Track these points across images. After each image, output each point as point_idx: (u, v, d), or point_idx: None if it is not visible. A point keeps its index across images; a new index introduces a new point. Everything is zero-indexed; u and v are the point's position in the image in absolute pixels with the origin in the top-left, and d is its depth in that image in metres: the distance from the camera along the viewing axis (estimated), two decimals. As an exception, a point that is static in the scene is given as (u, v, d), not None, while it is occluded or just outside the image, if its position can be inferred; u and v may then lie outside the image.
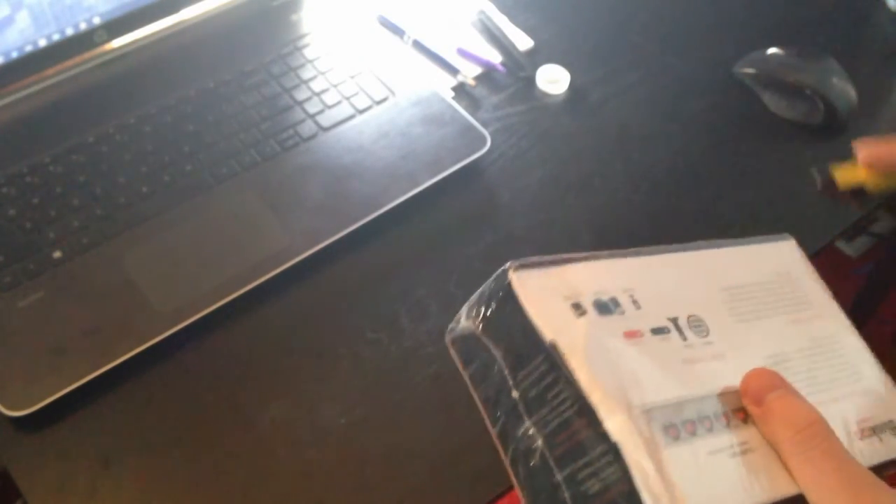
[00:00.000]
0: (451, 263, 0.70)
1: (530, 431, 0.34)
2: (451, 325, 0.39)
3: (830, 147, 0.80)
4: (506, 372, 0.35)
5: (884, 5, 0.93)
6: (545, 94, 0.83)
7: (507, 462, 0.36)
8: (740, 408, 0.35)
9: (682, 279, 0.38)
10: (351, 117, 0.76)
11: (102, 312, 0.63)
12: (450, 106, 0.78)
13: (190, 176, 0.71)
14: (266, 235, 0.68)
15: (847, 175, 0.55)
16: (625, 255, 0.38)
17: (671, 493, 0.31)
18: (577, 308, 0.34)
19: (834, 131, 0.81)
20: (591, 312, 0.34)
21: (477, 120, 0.77)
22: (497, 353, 0.35)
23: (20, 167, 0.71)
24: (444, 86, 0.82)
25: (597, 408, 0.31)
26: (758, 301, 0.39)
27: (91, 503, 0.57)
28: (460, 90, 0.82)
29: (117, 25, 0.77)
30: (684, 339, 0.35)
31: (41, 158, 0.71)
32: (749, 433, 0.34)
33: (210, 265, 0.66)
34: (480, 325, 0.37)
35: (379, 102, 0.78)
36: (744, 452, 0.34)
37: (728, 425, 0.34)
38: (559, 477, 0.33)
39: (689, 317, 0.36)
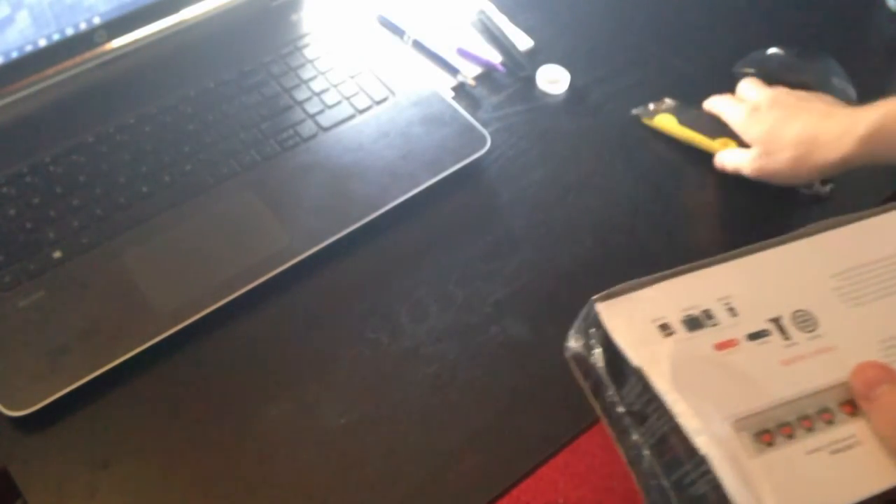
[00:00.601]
0: (451, 263, 0.70)
1: (639, 441, 0.36)
2: (566, 344, 0.41)
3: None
4: (612, 390, 0.37)
5: (884, 5, 0.93)
6: (545, 94, 0.83)
7: (626, 464, 0.38)
8: (849, 400, 0.35)
9: (786, 274, 0.38)
10: (351, 117, 0.76)
11: (102, 312, 0.63)
12: (450, 106, 0.78)
13: (190, 176, 0.71)
14: (266, 235, 0.68)
15: (655, 122, 0.75)
16: (721, 262, 0.38)
17: (760, 498, 0.32)
18: (665, 329, 0.36)
19: (834, 131, 0.81)
20: (680, 331, 0.36)
21: (477, 120, 0.77)
22: (602, 373, 0.38)
23: (20, 167, 0.71)
24: (444, 86, 0.82)
25: (684, 426, 0.34)
26: (876, 280, 0.38)
27: (91, 503, 0.57)
28: (460, 90, 0.82)
29: (117, 25, 0.77)
30: (787, 338, 0.36)
31: (41, 158, 0.71)
32: (857, 426, 0.35)
33: (210, 265, 0.66)
34: (584, 349, 0.39)
35: (379, 102, 0.78)
36: (850, 447, 0.34)
37: (833, 421, 0.35)
38: (666, 483, 0.35)
39: (794, 313, 0.37)
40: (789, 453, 0.34)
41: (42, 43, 0.74)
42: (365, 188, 0.72)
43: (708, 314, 0.36)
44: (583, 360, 0.40)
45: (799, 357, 0.36)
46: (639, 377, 0.35)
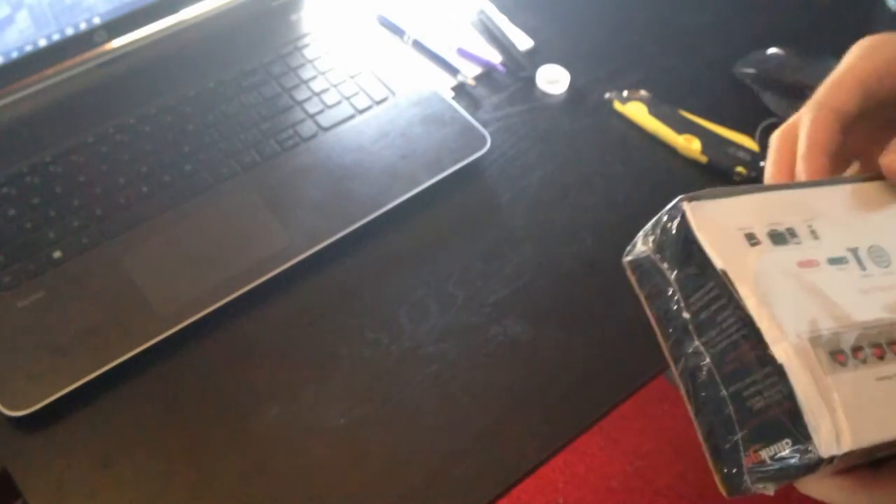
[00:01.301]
0: (451, 263, 0.70)
1: (700, 350, 0.36)
2: (627, 249, 0.40)
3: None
4: (678, 295, 0.36)
5: (884, 5, 0.93)
6: (545, 94, 0.83)
7: (676, 374, 0.38)
8: None
9: (866, 208, 0.37)
10: (351, 117, 0.76)
11: (102, 312, 0.63)
12: (450, 106, 0.78)
13: (190, 176, 0.71)
14: (266, 235, 0.68)
15: (626, 109, 0.76)
16: (807, 186, 0.38)
17: (832, 415, 0.32)
18: (751, 238, 0.35)
19: (834, 131, 0.81)
20: (765, 242, 0.35)
21: (477, 120, 0.77)
22: (670, 277, 0.37)
23: (20, 167, 0.71)
24: (444, 86, 0.82)
25: (764, 333, 0.33)
26: None
27: (91, 503, 0.57)
28: (460, 90, 0.82)
29: (117, 25, 0.77)
30: (863, 269, 0.36)
31: (41, 158, 0.71)
32: None
33: (210, 265, 0.66)
34: (656, 251, 0.38)
35: (379, 102, 0.78)
36: None
37: None
38: (725, 393, 0.35)
39: (870, 247, 0.37)
40: (861, 376, 0.33)
41: (42, 43, 0.74)
42: (365, 188, 0.72)
43: (792, 232, 0.36)
44: (646, 265, 0.39)
45: (875, 288, 0.35)
46: (719, 281, 0.35)
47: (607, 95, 0.82)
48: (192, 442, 0.60)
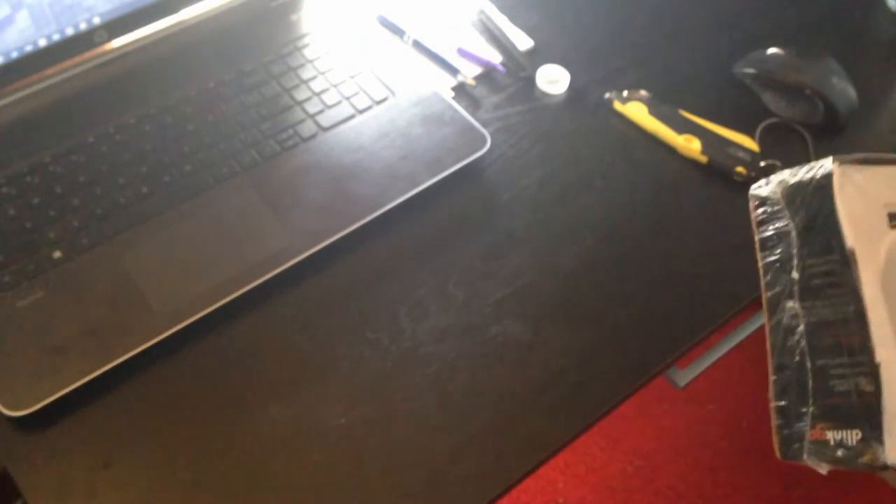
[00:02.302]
0: (451, 263, 0.70)
1: (798, 312, 0.33)
2: (760, 182, 0.37)
3: (830, 147, 0.80)
4: (795, 250, 0.33)
5: (884, 5, 0.93)
6: (545, 94, 0.83)
7: (767, 327, 0.35)
8: None
9: None
10: (351, 117, 0.76)
11: (102, 312, 0.63)
12: (450, 106, 0.78)
13: (190, 176, 0.71)
14: (266, 235, 0.68)
15: (626, 109, 0.76)
16: None
17: None
18: (893, 218, 0.31)
19: (834, 131, 0.81)
20: None
21: (477, 120, 0.77)
22: (794, 232, 0.34)
23: (20, 167, 0.71)
24: (444, 86, 0.82)
25: (872, 329, 0.31)
26: None
27: (91, 503, 0.57)
28: (460, 90, 0.82)
29: (117, 25, 0.77)
30: None
31: (41, 158, 0.71)
32: None
33: (210, 265, 0.66)
34: (789, 200, 0.34)
35: (379, 102, 0.78)
36: None
37: None
38: (810, 363, 0.32)
39: None
40: None
41: (42, 43, 0.74)
42: (365, 188, 0.72)
43: None
44: (774, 208, 0.35)
45: None
46: (844, 257, 0.31)
47: (607, 95, 0.82)
48: (192, 442, 0.60)
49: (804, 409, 0.33)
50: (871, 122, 0.83)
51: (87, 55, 0.77)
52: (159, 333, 0.63)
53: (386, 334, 0.66)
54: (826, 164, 0.33)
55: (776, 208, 0.35)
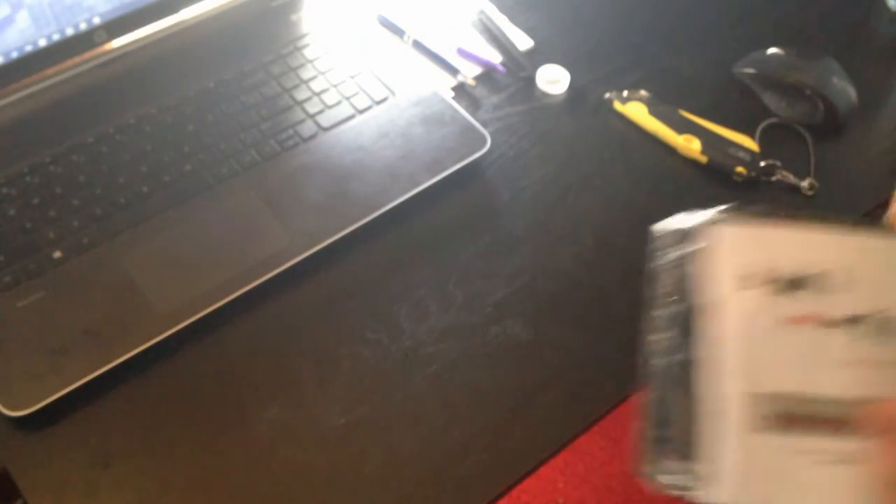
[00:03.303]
0: (451, 263, 0.70)
1: (657, 343, 0.34)
2: (665, 220, 0.37)
3: (830, 147, 0.80)
4: (660, 286, 0.34)
5: (884, 5, 0.93)
6: (545, 94, 0.83)
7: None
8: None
9: None
10: (351, 117, 0.76)
11: (102, 312, 0.63)
12: (450, 106, 0.78)
13: (190, 176, 0.71)
14: (266, 235, 0.68)
15: (626, 109, 0.77)
16: (864, 231, 0.33)
17: (729, 467, 0.31)
18: (752, 278, 0.32)
19: (834, 131, 0.81)
20: (765, 288, 0.32)
21: (477, 120, 0.77)
22: (662, 268, 0.34)
23: (20, 167, 0.71)
24: (444, 86, 0.82)
25: (699, 380, 0.32)
26: None
27: (91, 503, 0.57)
28: (460, 90, 0.82)
29: (117, 25, 0.77)
30: (863, 336, 0.32)
31: (41, 158, 0.71)
32: (862, 446, 0.32)
33: (210, 265, 0.66)
34: (675, 240, 0.35)
35: (379, 102, 0.78)
36: (845, 462, 0.32)
37: (843, 431, 0.32)
38: (664, 394, 0.33)
39: (885, 317, 0.32)
40: (779, 444, 0.32)
41: (42, 43, 0.74)
42: (365, 188, 0.72)
43: (805, 281, 0.32)
44: (662, 244, 0.36)
45: (861, 361, 0.32)
46: (697, 305, 0.32)
47: (607, 95, 0.82)
48: (193, 442, 0.60)
49: (658, 434, 0.34)
50: (871, 122, 0.83)
51: (87, 55, 0.77)
52: (159, 333, 0.63)
53: (386, 334, 0.66)
54: (712, 218, 0.34)
55: (663, 244, 0.36)
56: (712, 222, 0.33)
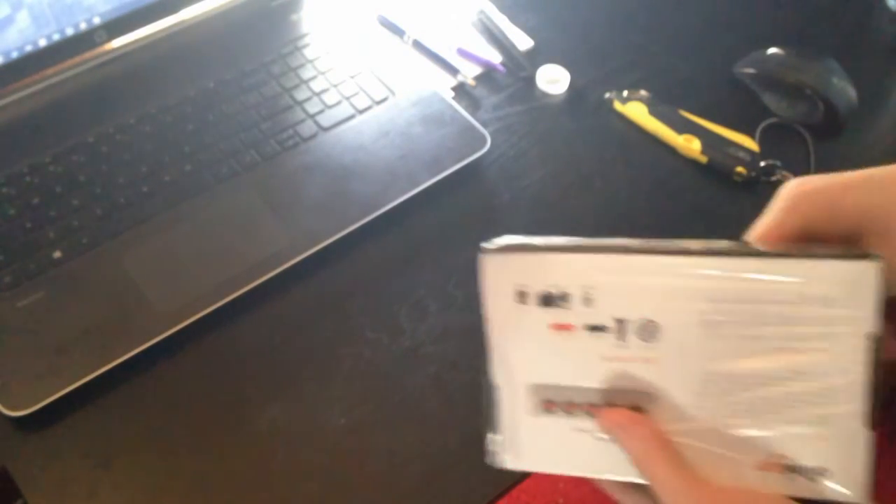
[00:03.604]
0: (451, 263, 0.70)
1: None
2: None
3: (830, 147, 0.80)
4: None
5: (884, 5, 0.93)
6: (545, 94, 0.83)
7: None
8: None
9: (665, 282, 0.39)
10: (351, 117, 0.76)
11: (102, 312, 0.63)
12: (450, 106, 0.78)
13: (190, 176, 0.71)
14: (266, 235, 0.68)
15: (626, 109, 0.80)
16: (615, 251, 0.42)
17: (511, 438, 0.42)
18: (520, 296, 0.41)
19: (834, 131, 0.81)
20: (532, 303, 0.41)
21: (477, 120, 0.77)
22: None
23: (20, 167, 0.71)
24: (444, 86, 0.82)
25: (491, 365, 0.42)
26: (750, 321, 0.38)
27: (91, 503, 0.57)
28: (460, 90, 0.82)
29: (117, 25, 0.77)
30: (621, 339, 0.40)
31: (41, 158, 0.71)
32: None
33: (210, 265, 0.66)
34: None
35: (379, 102, 0.78)
36: (601, 437, 0.41)
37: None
38: (484, 383, 0.42)
39: (642, 321, 0.40)
40: (558, 423, 0.41)
41: (42, 43, 0.74)
42: (365, 188, 0.72)
43: (564, 297, 0.41)
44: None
45: (620, 358, 0.40)
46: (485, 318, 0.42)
47: (607, 95, 0.82)
48: (193, 442, 0.60)
49: (484, 414, 0.43)
50: (871, 122, 0.83)
51: (87, 55, 0.77)
52: (159, 333, 0.63)
53: (386, 334, 0.66)
54: (482, 249, 0.44)
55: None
56: (483, 251, 0.44)
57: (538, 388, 0.41)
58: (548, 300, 0.41)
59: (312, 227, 0.69)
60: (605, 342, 0.40)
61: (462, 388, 0.64)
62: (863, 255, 0.37)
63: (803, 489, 0.39)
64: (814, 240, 0.40)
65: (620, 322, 0.40)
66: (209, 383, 0.63)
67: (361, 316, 0.67)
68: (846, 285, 0.38)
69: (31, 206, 0.69)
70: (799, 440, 0.39)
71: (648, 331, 0.40)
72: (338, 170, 0.73)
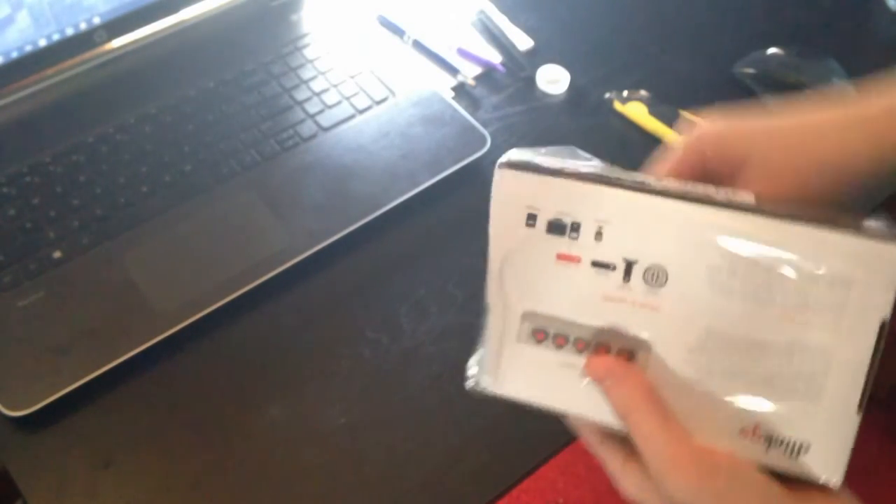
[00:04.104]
0: (451, 263, 0.70)
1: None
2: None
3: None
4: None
5: (884, 5, 0.93)
6: (545, 94, 0.83)
7: None
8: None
9: (681, 230, 0.38)
10: (351, 117, 0.76)
11: (102, 312, 0.63)
12: (450, 106, 0.78)
13: (190, 176, 0.71)
14: (266, 235, 0.68)
15: (626, 109, 0.80)
16: (637, 190, 0.39)
17: (496, 362, 0.41)
18: (531, 219, 0.40)
19: (834, 131, 0.81)
20: (540, 228, 0.39)
21: (477, 120, 0.77)
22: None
23: (20, 167, 0.71)
24: (444, 86, 0.82)
25: (489, 284, 0.40)
26: (759, 284, 0.37)
27: (91, 503, 0.57)
28: (460, 90, 0.82)
29: (117, 25, 0.77)
30: (626, 280, 0.38)
31: (41, 158, 0.71)
32: None
33: (210, 265, 0.66)
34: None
35: (379, 102, 0.78)
36: (584, 374, 0.40)
37: (586, 351, 0.40)
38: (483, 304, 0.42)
39: (651, 265, 0.38)
40: (546, 355, 0.40)
41: (42, 43, 0.74)
42: (365, 188, 0.72)
43: (575, 226, 0.39)
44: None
45: (622, 299, 0.39)
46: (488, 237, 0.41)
47: (607, 95, 0.82)
48: (193, 442, 0.60)
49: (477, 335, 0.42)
50: (871, 122, 0.83)
51: (87, 55, 0.77)
52: (160, 333, 0.63)
53: (386, 334, 0.66)
54: (500, 162, 0.42)
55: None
56: (500, 164, 0.42)
57: (531, 316, 0.40)
58: (558, 228, 0.39)
59: (312, 227, 0.69)
60: (610, 281, 0.39)
61: (462, 388, 0.64)
62: (889, 236, 0.36)
63: (779, 462, 0.38)
64: (707, 177, 0.42)
65: (629, 263, 0.38)
66: (209, 383, 0.63)
67: (361, 316, 0.67)
68: (868, 267, 0.36)
69: (31, 206, 0.69)
70: (787, 412, 0.38)
71: (656, 276, 0.38)
72: (338, 170, 0.73)
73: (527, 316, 0.40)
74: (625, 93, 0.81)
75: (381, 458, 0.60)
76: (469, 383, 0.42)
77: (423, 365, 0.65)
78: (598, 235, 0.39)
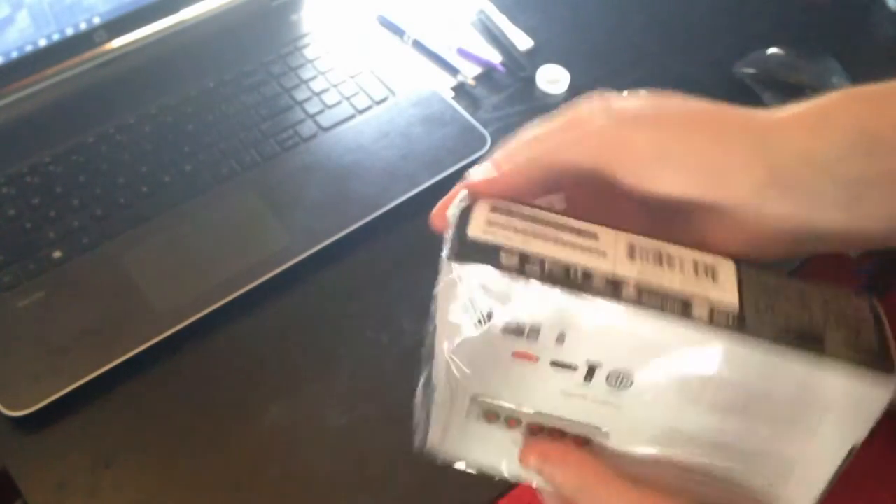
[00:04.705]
0: (451, 263, 0.70)
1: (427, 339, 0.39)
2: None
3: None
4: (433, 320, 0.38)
5: (884, 5, 0.93)
6: (545, 94, 0.83)
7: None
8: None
9: (653, 345, 0.34)
10: (351, 117, 0.76)
11: (102, 312, 0.63)
12: (450, 106, 0.78)
13: (190, 176, 0.71)
14: (266, 235, 0.68)
15: None
16: (609, 298, 0.34)
17: (445, 441, 0.42)
18: (486, 317, 0.35)
19: (834, 131, 0.81)
20: (495, 325, 0.35)
21: (477, 120, 0.77)
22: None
23: (20, 167, 0.71)
24: (444, 86, 0.82)
25: (435, 368, 0.38)
26: (736, 403, 0.35)
27: (91, 503, 0.57)
28: (460, 90, 0.82)
29: (117, 25, 0.77)
30: (588, 381, 0.35)
31: (41, 158, 0.71)
32: None
33: (210, 265, 0.66)
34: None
35: (379, 102, 0.78)
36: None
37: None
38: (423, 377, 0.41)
39: (616, 369, 0.35)
40: (492, 429, 0.39)
41: (42, 43, 0.74)
42: (365, 188, 0.72)
43: (535, 329, 0.35)
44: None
45: (581, 396, 0.36)
46: (432, 336, 0.38)
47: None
48: (193, 442, 0.60)
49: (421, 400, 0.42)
50: (871, 122, 0.83)
51: (87, 55, 0.77)
52: (159, 333, 0.63)
53: (386, 334, 0.66)
54: (443, 260, 0.37)
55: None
56: (451, 256, 0.36)
57: (482, 402, 0.38)
58: (516, 331, 0.35)
59: (312, 227, 0.69)
60: (570, 380, 0.36)
61: (462, 388, 0.64)
62: (880, 374, 0.33)
63: None
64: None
65: (592, 366, 0.35)
66: (209, 383, 0.63)
67: (362, 316, 0.67)
68: (853, 402, 0.34)
69: (31, 206, 0.69)
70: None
71: (620, 380, 0.35)
72: (338, 170, 0.73)
73: (477, 399, 0.38)
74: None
75: (381, 457, 0.60)
76: (417, 445, 0.42)
77: (423, 365, 0.64)
78: (560, 339, 0.35)
